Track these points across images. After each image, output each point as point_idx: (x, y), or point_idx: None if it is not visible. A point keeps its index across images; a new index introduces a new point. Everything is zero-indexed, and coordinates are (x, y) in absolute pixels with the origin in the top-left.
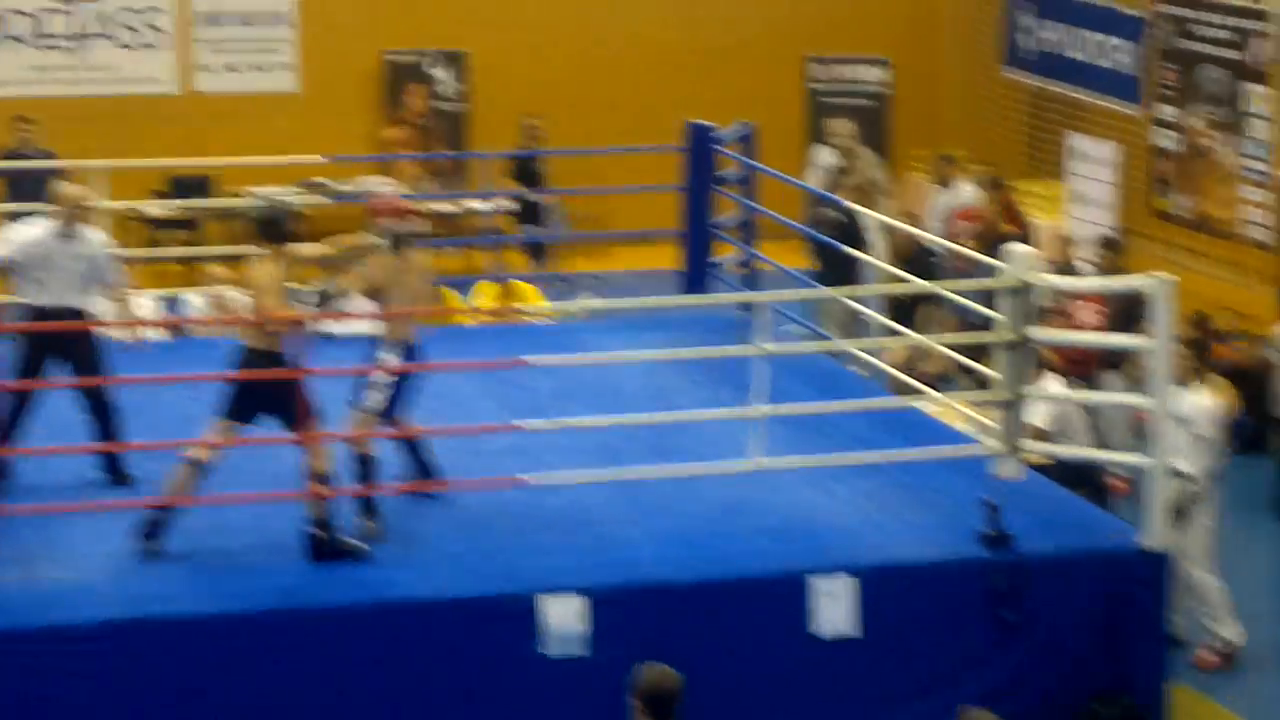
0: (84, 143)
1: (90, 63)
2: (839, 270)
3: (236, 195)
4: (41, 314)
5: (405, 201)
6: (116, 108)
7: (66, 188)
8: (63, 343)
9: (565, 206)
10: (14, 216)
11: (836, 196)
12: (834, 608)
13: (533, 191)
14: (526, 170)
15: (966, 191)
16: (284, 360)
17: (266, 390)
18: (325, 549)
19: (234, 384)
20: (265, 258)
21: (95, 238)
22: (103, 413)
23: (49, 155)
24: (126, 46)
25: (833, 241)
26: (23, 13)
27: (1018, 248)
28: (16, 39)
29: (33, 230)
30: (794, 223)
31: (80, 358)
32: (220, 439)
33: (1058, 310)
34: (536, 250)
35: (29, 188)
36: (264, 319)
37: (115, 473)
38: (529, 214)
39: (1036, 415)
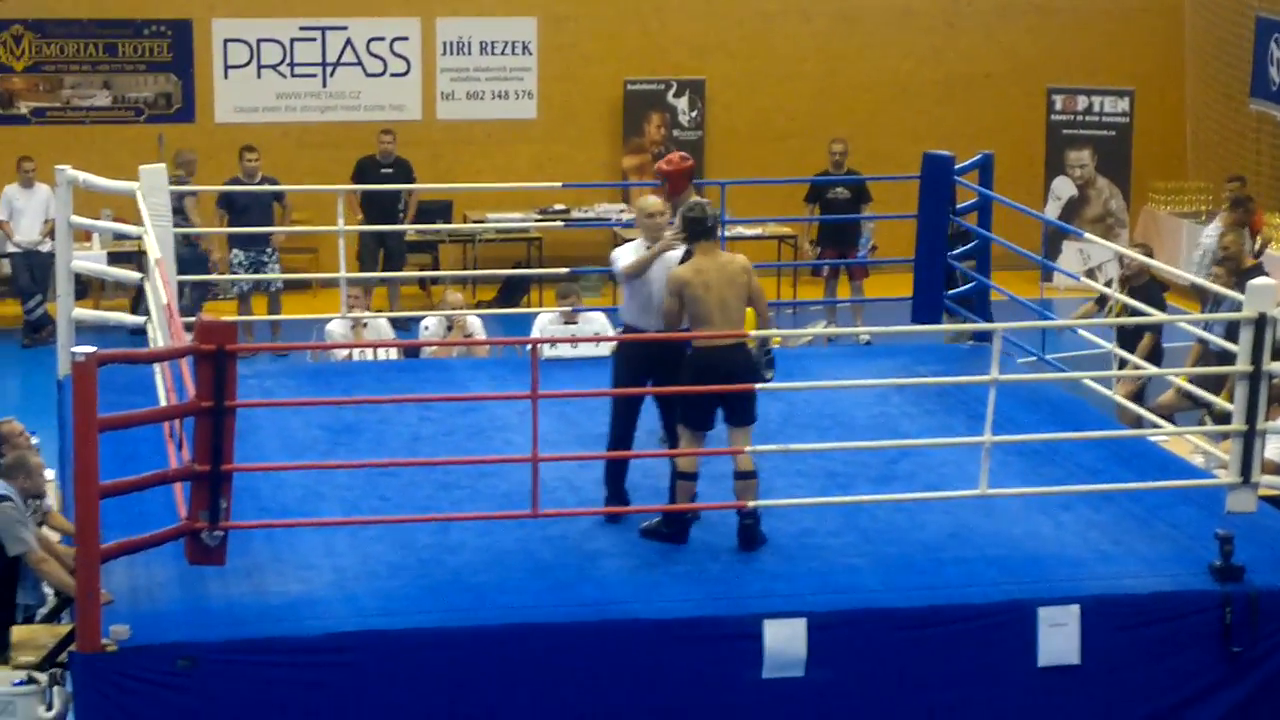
0: (327, 168)
1: (336, 90)
2: None
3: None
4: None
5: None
6: (360, 133)
7: (648, 200)
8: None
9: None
10: (236, 242)
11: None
12: (1059, 637)
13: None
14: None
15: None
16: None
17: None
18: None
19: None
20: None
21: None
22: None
23: (272, 182)
24: (373, 74)
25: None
26: (274, 41)
27: (1259, 280)
28: (268, 67)
29: (629, 253)
30: (1028, 252)
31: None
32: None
33: None
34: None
35: (256, 214)
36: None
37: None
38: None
39: (1271, 448)
